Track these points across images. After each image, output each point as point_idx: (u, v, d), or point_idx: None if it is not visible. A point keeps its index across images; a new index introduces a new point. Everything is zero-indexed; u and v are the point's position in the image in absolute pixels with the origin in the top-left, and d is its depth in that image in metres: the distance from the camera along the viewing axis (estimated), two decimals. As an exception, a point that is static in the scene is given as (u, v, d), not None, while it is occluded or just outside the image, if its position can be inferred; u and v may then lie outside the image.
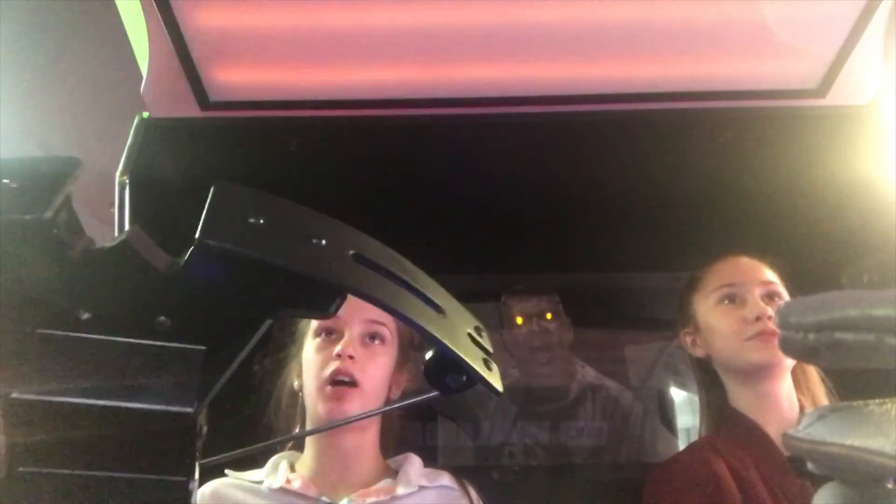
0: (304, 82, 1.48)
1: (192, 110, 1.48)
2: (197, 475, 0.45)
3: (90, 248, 0.44)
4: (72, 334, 0.42)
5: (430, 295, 0.50)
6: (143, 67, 1.45)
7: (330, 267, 0.46)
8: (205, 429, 0.46)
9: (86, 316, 0.42)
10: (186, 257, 0.44)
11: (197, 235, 0.43)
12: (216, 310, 0.45)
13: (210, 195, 0.46)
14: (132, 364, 0.42)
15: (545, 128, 1.53)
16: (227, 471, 1.21)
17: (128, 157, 1.43)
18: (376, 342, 1.21)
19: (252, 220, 0.45)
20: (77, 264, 0.42)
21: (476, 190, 1.68)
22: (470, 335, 0.52)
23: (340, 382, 1.15)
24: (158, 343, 0.43)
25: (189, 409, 0.43)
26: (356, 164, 1.60)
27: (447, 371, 0.49)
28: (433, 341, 0.47)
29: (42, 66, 2.05)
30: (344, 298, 0.46)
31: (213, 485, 1.18)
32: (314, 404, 1.18)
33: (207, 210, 0.45)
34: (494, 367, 0.51)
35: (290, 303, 0.46)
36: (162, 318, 0.43)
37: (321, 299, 0.46)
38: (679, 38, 1.41)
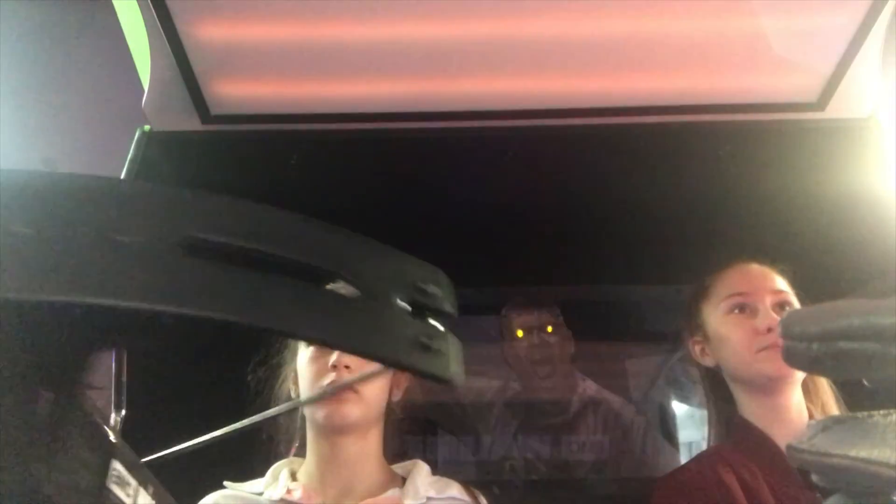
0: (305, 96, 1.49)
1: (193, 123, 1.49)
2: None
3: None
4: None
5: (330, 263, 0.38)
6: (145, 81, 1.45)
7: (132, 281, 0.33)
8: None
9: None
10: None
11: None
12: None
13: None
14: None
15: (545, 141, 1.53)
16: (225, 483, 1.15)
17: (129, 170, 1.43)
18: None
19: (17, 229, 0.32)
20: None
21: (476, 203, 1.68)
22: (402, 302, 0.39)
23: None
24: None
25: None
26: (356, 178, 1.61)
27: None
28: (336, 347, 0.38)
29: (43, 79, 2.06)
30: (170, 320, 0.34)
31: (213, 497, 1.13)
32: (312, 410, 1.13)
33: None
34: (440, 344, 0.38)
35: (97, 342, 0.35)
36: None
37: (136, 327, 0.35)
38: (680, 53, 1.41)
